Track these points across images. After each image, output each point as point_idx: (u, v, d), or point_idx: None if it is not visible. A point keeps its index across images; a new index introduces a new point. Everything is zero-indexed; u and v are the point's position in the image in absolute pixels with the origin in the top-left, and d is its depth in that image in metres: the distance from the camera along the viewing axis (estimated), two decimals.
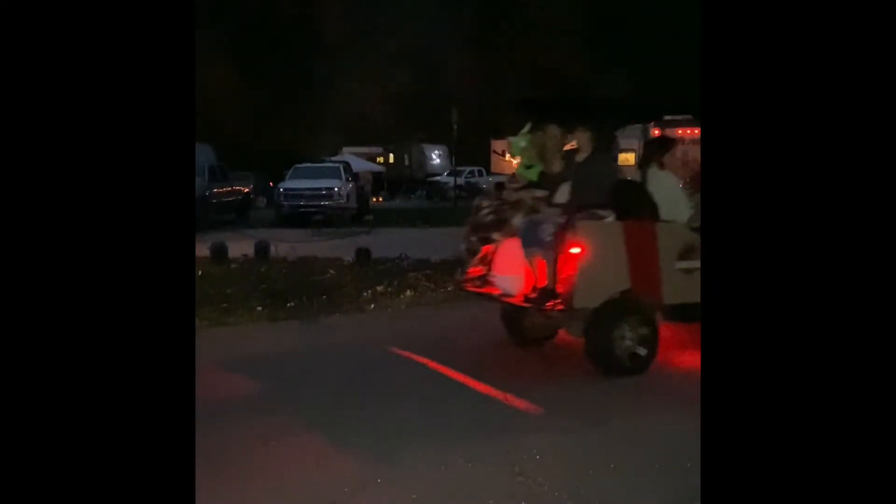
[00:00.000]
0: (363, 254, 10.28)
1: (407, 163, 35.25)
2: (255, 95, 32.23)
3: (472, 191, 29.48)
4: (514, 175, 6.02)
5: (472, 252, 5.39)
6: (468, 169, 31.39)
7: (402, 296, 7.48)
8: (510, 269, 4.95)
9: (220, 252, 10.42)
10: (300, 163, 20.54)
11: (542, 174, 5.37)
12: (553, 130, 5.36)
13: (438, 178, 32.28)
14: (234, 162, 21.78)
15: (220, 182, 18.06)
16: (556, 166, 5.30)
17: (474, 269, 5.37)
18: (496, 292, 5.07)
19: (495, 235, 5.21)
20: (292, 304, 7.05)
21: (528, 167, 5.53)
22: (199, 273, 9.04)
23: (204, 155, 18.82)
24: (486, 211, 5.40)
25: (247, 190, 20.47)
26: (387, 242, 11.99)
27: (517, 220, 5.10)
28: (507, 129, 41.32)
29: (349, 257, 10.22)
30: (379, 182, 29.48)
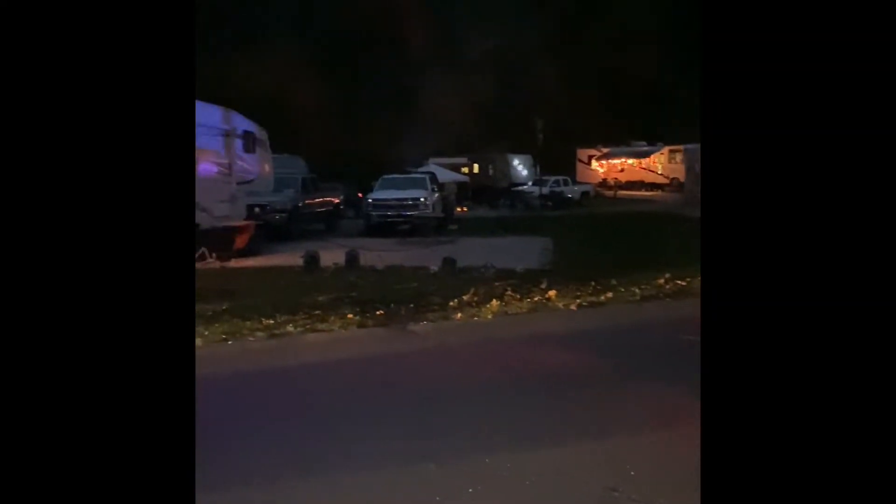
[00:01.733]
0: (449, 263, 10.42)
1: (491, 172, 35.35)
2: (344, 108, 33.21)
3: (558, 200, 29.26)
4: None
5: None
6: (553, 178, 31.12)
7: (488, 305, 7.51)
8: None
9: (312, 261, 10.82)
10: (387, 174, 21.01)
11: None
12: None
13: (523, 187, 32.19)
14: (324, 173, 22.54)
15: (312, 193, 18.74)
16: None
17: None
18: None
19: None
20: (381, 311, 7.23)
21: None
22: (293, 282, 9.45)
23: (297, 167, 19.61)
24: None
25: (336, 200, 21.12)
26: (471, 251, 12.08)
27: None
28: (593, 138, 40.65)
29: (435, 266, 10.37)
30: (463, 192, 29.71)
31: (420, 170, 25.56)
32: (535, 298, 7.84)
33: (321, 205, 19.40)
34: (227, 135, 13.25)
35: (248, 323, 6.72)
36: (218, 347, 5.91)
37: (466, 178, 33.50)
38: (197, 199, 11.99)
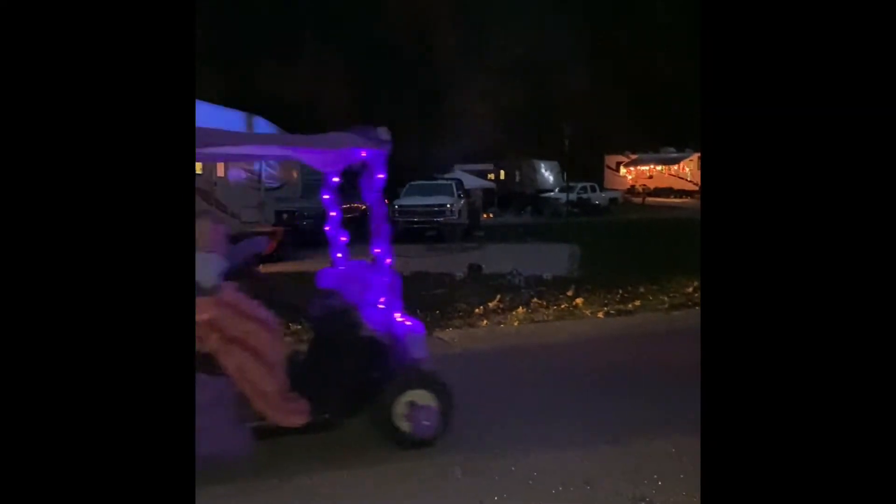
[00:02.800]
0: (475, 269, 10.38)
1: (518, 179, 35.25)
2: (370, 114, 33.45)
3: (585, 207, 29.07)
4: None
5: None
6: (580, 184, 30.94)
7: (514, 312, 7.46)
8: None
9: None
10: (414, 180, 21.07)
11: None
12: None
13: (550, 193, 32.03)
14: (351, 179, 22.61)
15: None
16: None
17: None
18: None
19: None
20: None
21: None
22: None
23: None
24: None
25: (364, 207, 21.21)
26: (498, 258, 12.04)
27: None
28: (621, 143, 40.36)
29: (460, 272, 10.35)
30: (490, 198, 29.67)
31: (446, 176, 25.57)
32: (562, 306, 7.78)
33: (348, 211, 19.47)
34: None
35: None
36: None
37: (493, 185, 33.43)
38: (225, 205, 12.14)
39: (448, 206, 18.29)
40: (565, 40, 35.38)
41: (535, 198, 31.91)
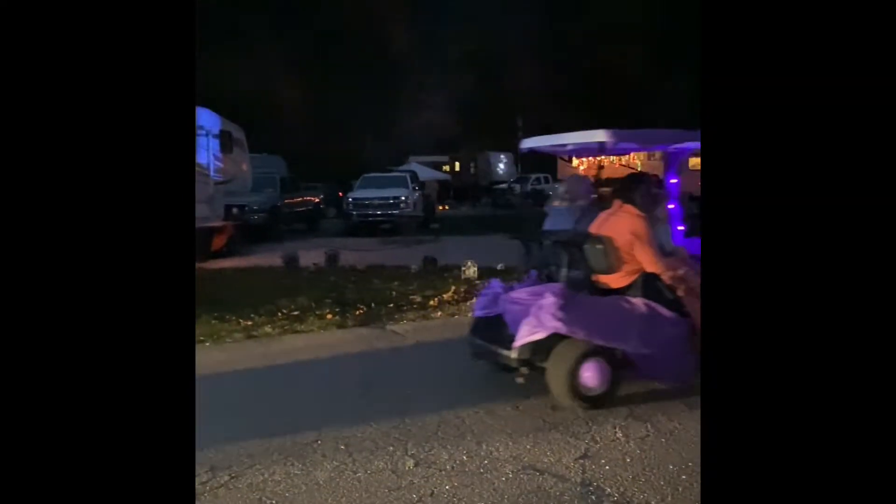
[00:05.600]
0: (429, 262, 10.41)
1: (472, 171, 35.38)
2: (324, 107, 33.07)
3: (539, 198, 29.39)
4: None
5: None
6: (534, 176, 31.26)
7: (468, 303, 7.51)
8: None
9: (292, 261, 10.75)
10: (368, 173, 20.97)
11: None
12: None
13: (504, 185, 32.25)
14: (304, 173, 22.41)
15: (292, 193, 18.63)
16: None
17: None
18: None
19: None
20: (361, 311, 7.19)
21: None
22: (272, 283, 9.37)
23: (276, 166, 19.48)
24: None
25: (317, 200, 21.03)
26: (453, 250, 12.07)
27: None
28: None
29: (416, 265, 10.35)
30: (445, 190, 29.73)
31: (401, 168, 25.51)
32: None
33: (301, 204, 19.31)
34: (204, 134, 13.11)
35: (225, 325, 6.66)
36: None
37: (448, 177, 33.48)
38: None
39: (403, 198, 18.25)
40: (519, 32, 35.58)
41: (489, 189, 32.09)
